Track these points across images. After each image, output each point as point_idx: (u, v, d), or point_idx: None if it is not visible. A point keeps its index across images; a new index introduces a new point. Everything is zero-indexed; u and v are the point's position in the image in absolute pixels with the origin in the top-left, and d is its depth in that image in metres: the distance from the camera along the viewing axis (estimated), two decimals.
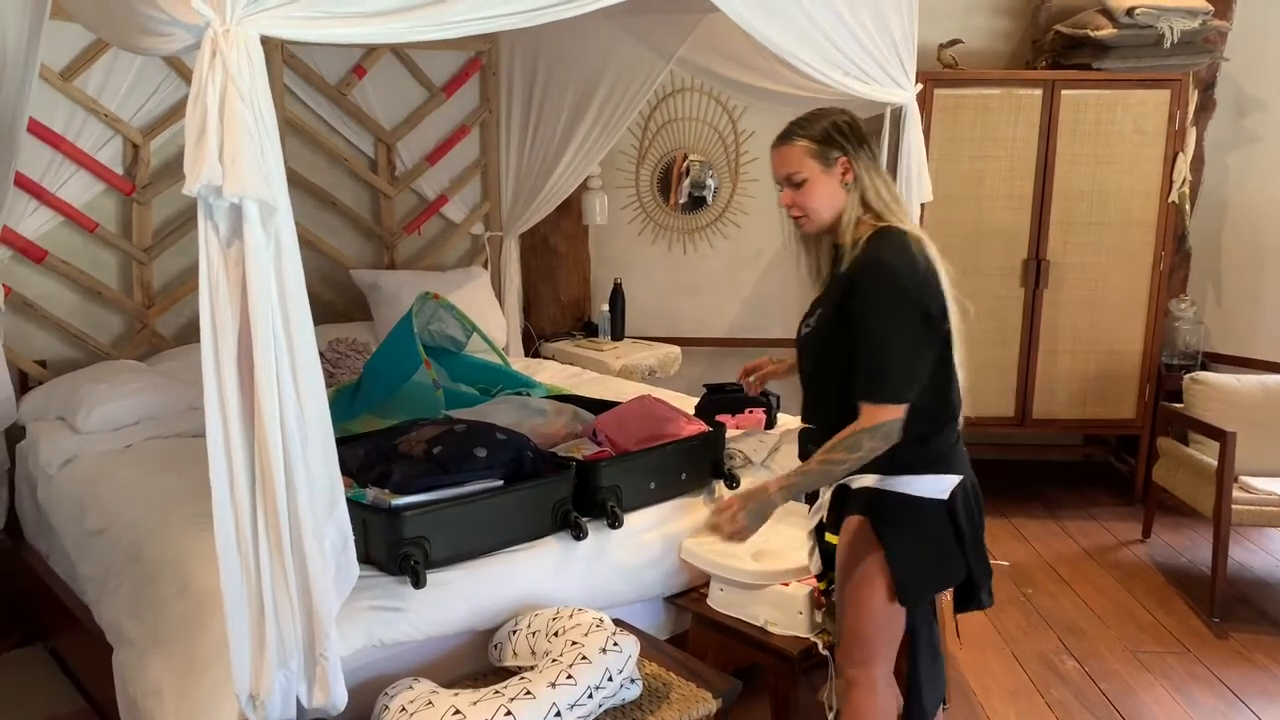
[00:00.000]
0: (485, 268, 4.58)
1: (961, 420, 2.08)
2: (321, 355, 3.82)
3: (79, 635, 2.78)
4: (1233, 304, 4.69)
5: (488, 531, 2.21)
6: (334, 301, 4.17)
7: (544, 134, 4.36)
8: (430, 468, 2.23)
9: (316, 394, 1.79)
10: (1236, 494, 3.48)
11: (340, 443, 2.57)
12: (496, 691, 1.89)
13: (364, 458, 2.37)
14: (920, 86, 3.11)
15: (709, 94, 4.80)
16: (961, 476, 2.03)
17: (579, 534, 2.32)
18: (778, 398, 3.35)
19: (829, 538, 2.13)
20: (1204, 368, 4.54)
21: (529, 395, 3.37)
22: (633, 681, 2.02)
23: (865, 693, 2.04)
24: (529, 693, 1.86)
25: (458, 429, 2.38)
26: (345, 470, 2.39)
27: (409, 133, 4.29)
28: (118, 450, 3.03)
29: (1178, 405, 3.99)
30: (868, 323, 1.90)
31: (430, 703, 1.88)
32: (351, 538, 1.87)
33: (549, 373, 4.03)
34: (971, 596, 2.12)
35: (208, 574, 2.24)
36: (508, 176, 4.54)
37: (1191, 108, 4.28)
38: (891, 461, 1.96)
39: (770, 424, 3.25)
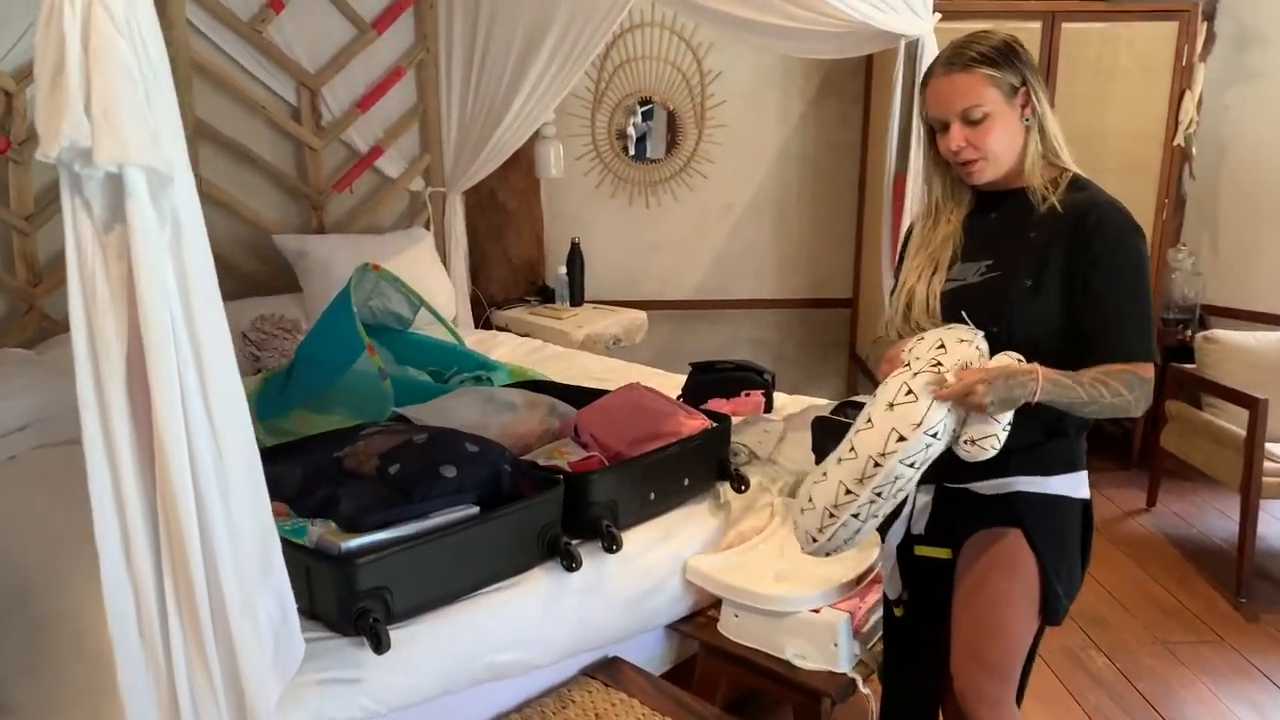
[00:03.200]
0: (427, 229, 4.09)
1: None
2: (244, 336, 3.33)
3: None
4: (1230, 253, 4.41)
5: (462, 571, 1.79)
6: (255, 272, 3.65)
7: (491, 76, 3.87)
8: (387, 493, 1.79)
9: (237, 422, 1.35)
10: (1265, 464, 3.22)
11: (271, 455, 2.16)
12: None
13: (303, 479, 1.93)
14: (940, 16, 2.71)
15: (671, 29, 4.34)
16: None
17: (572, 564, 1.91)
18: (773, 375, 2.98)
19: (926, 551, 1.83)
20: (1202, 322, 4.28)
21: (490, 381, 2.94)
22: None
23: None
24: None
25: (417, 440, 1.94)
26: (279, 494, 1.96)
27: (336, 76, 3.76)
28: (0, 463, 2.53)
29: (1189, 366, 3.70)
30: (1127, 274, 1.64)
31: None
32: (294, 606, 1.44)
33: (507, 349, 3.59)
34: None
35: (109, 631, 1.80)
36: (450, 125, 4.04)
37: (1200, 41, 3.94)
38: (1055, 457, 1.72)
39: (769, 407, 2.87)
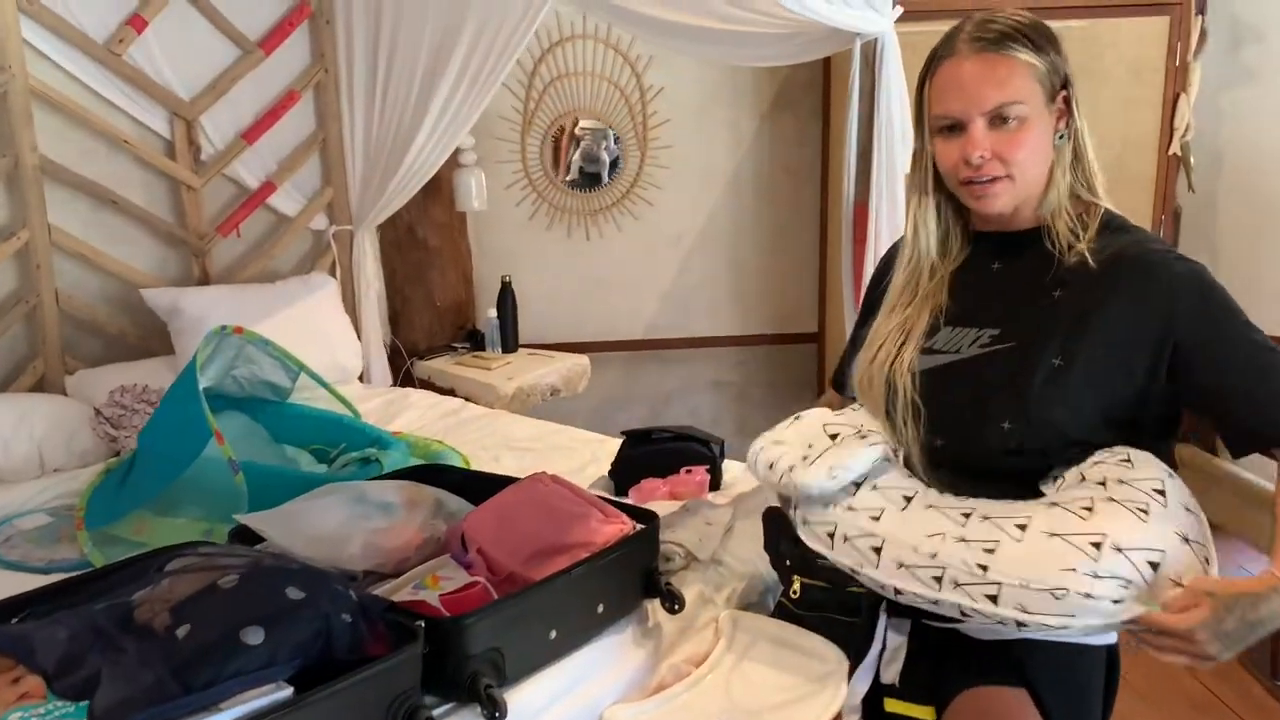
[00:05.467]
0: (334, 274, 3.60)
1: None
2: (98, 412, 2.81)
3: None
4: (1230, 272, 3.96)
5: None
6: (125, 333, 3.14)
7: (397, 95, 3.39)
8: (163, 675, 1.29)
9: None
10: None
11: (49, 597, 1.65)
12: None
13: (66, 644, 1.42)
14: (901, 11, 2.25)
15: (605, 41, 3.87)
16: None
17: None
18: (721, 444, 2.50)
19: (899, 709, 1.40)
20: None
21: (379, 462, 2.45)
22: None
23: None
24: None
25: (223, 584, 1.44)
26: (34, 664, 1.45)
27: (216, 103, 3.27)
28: None
29: None
30: (1239, 333, 1.25)
31: None
32: None
33: (416, 413, 3.09)
34: None
35: None
36: (354, 153, 3.56)
37: (1194, 38, 3.52)
38: None
39: (716, 484, 2.39)
